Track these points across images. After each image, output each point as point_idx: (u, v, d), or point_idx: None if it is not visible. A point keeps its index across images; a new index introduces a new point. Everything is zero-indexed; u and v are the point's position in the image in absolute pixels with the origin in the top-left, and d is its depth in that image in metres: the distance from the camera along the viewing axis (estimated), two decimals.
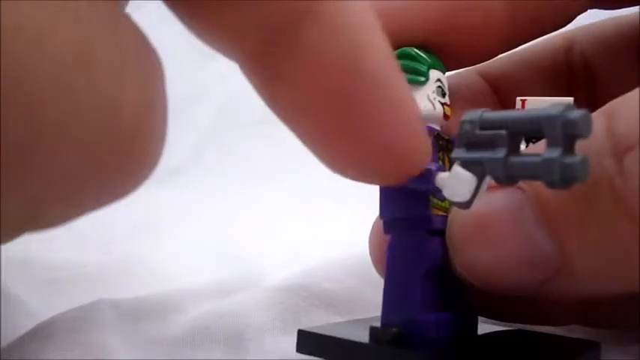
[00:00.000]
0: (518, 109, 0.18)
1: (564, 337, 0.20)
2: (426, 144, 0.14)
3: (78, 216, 0.11)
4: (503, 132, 0.13)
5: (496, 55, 0.22)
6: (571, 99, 0.17)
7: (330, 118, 0.13)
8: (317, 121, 0.13)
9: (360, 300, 0.24)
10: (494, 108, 0.15)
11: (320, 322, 0.20)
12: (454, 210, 0.17)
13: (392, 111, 0.13)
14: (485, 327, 0.19)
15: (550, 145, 0.13)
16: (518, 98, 0.18)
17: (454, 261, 0.17)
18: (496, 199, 0.16)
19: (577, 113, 0.12)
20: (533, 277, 0.15)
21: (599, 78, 0.23)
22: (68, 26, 0.09)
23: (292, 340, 0.18)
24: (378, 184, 0.16)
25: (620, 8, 0.22)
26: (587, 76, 0.24)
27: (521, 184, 0.15)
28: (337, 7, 0.12)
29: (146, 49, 0.11)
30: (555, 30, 0.22)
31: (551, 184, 0.13)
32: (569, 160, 0.12)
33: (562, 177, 0.12)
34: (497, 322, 0.21)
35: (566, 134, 0.12)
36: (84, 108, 0.09)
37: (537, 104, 0.18)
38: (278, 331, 0.21)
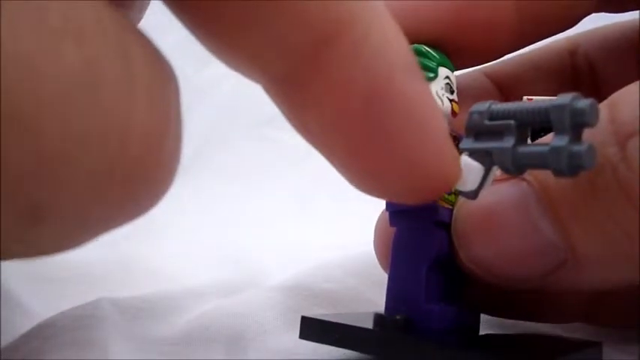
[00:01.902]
0: None
1: (565, 337, 0.20)
2: (456, 163, 0.14)
3: (85, 242, 0.10)
4: (511, 122, 0.14)
5: (504, 55, 0.22)
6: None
7: (360, 139, 0.13)
8: (346, 143, 0.13)
9: (360, 300, 0.24)
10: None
11: None
12: (459, 203, 0.17)
13: (421, 130, 0.13)
14: (486, 329, 0.19)
15: (558, 133, 0.13)
16: (525, 97, 0.18)
17: (459, 253, 0.17)
18: (501, 191, 0.16)
19: (585, 102, 0.13)
20: (539, 269, 0.15)
21: (604, 81, 0.24)
22: (71, 49, 0.08)
23: (293, 340, 0.18)
24: (409, 203, 0.16)
25: (625, 11, 0.23)
26: (591, 79, 0.24)
27: (525, 175, 0.15)
28: (363, 26, 0.12)
29: (159, 65, 0.10)
30: (562, 31, 0.22)
31: (558, 173, 0.13)
32: (577, 148, 0.13)
33: (569, 165, 0.13)
34: (499, 324, 0.21)
35: (574, 122, 0.13)
36: (89, 134, 0.09)
37: None
38: (278, 331, 0.21)
